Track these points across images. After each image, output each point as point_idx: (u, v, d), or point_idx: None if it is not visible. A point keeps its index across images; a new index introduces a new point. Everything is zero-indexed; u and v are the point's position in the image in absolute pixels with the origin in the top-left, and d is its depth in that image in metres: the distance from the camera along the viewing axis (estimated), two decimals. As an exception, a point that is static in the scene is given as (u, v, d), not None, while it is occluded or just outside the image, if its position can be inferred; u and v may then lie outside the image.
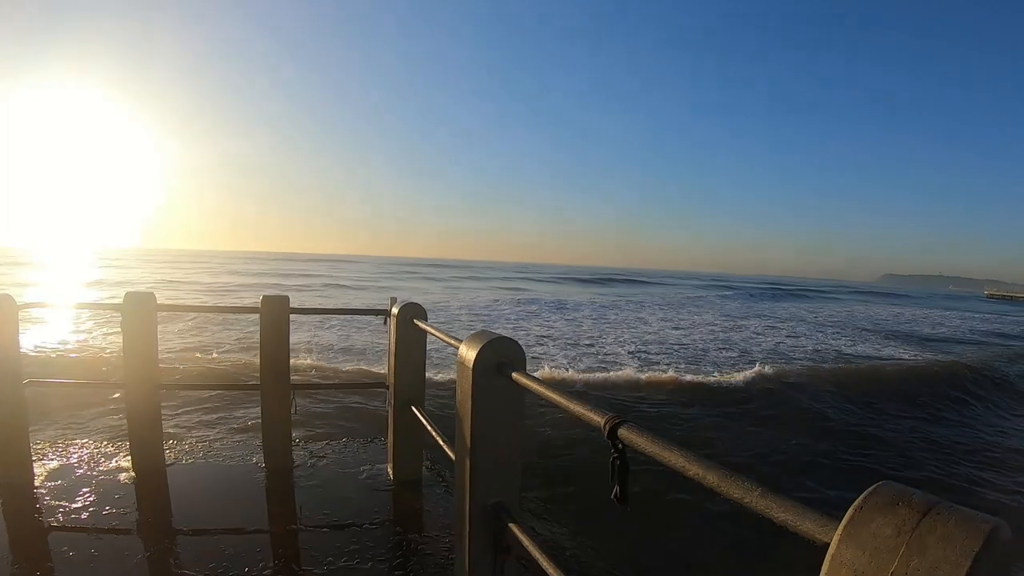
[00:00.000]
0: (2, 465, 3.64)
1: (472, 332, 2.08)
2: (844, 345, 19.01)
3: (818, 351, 17.30)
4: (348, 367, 10.89)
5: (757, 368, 12.12)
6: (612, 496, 1.25)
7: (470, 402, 1.94)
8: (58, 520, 3.30)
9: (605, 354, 14.48)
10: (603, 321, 23.23)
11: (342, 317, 16.08)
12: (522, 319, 22.23)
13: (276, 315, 3.95)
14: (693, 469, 1.01)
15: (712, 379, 11.48)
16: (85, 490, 3.67)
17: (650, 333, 19.33)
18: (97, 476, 3.89)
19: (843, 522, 0.71)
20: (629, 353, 14.81)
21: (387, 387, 4.04)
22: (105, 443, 4.51)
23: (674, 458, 1.06)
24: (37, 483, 3.74)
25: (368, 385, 4.61)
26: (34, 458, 3.93)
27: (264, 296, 4.01)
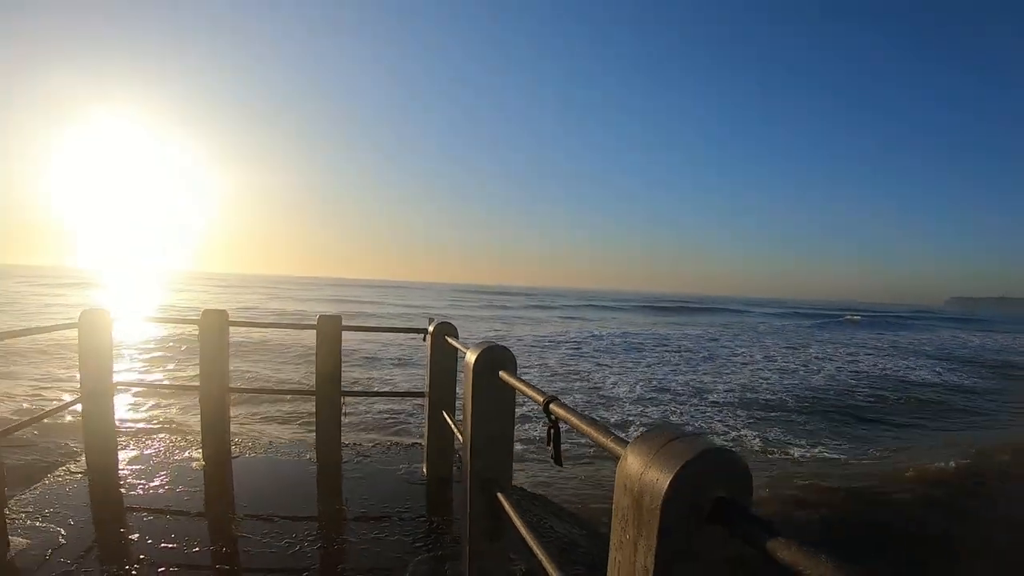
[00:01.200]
0: (92, 451, 4.31)
1: (478, 342, 2.60)
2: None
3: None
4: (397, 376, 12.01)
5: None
6: (550, 457, 1.74)
7: (471, 396, 2.43)
8: (136, 499, 3.94)
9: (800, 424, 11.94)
10: (736, 363, 20.28)
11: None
12: (651, 363, 19.26)
13: (330, 332, 4.62)
14: (588, 429, 1.49)
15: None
16: (162, 474, 4.34)
17: (815, 376, 17.63)
18: (172, 463, 4.58)
19: (631, 441, 1.14)
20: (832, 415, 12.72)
21: (425, 395, 4.67)
22: (180, 437, 5.27)
23: (577, 421, 1.54)
24: (121, 467, 4.44)
25: (409, 394, 5.24)
26: (119, 446, 4.64)
27: (320, 316, 4.70)
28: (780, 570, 0.78)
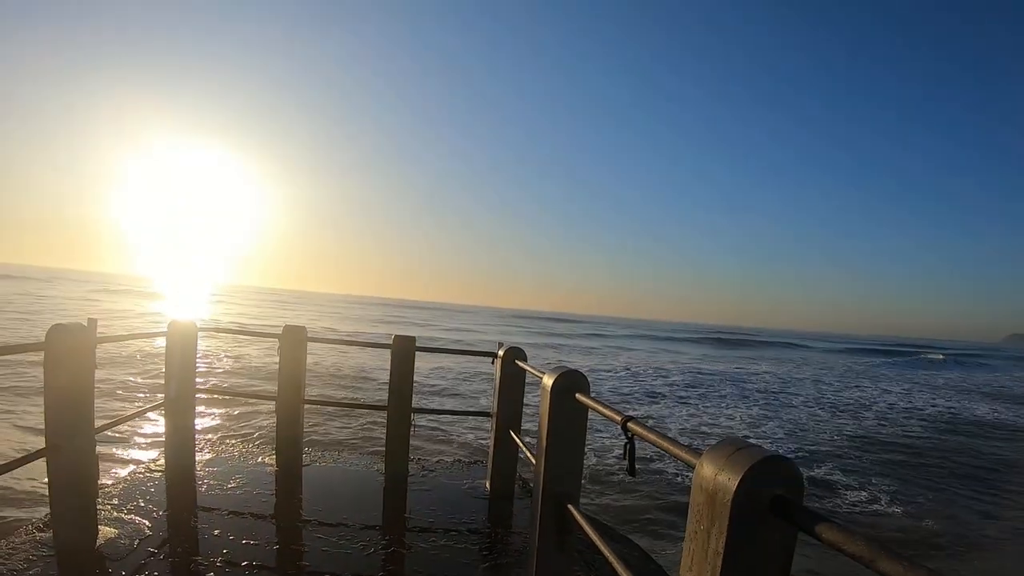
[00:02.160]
0: (172, 452, 4.59)
1: (554, 367, 2.91)
2: None
3: None
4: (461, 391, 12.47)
5: None
6: (626, 470, 2.02)
7: (547, 416, 2.64)
8: (212, 499, 4.18)
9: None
10: (855, 406, 18.21)
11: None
12: (747, 406, 17.34)
13: (404, 351, 4.90)
14: (665, 444, 1.74)
15: None
16: (236, 478, 4.59)
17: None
18: (246, 469, 4.84)
19: (705, 451, 1.39)
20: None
21: (492, 415, 4.93)
22: (255, 444, 5.66)
23: (655, 438, 1.81)
24: (198, 469, 4.73)
25: (476, 413, 5.56)
26: (197, 449, 4.91)
27: (395, 336, 4.97)
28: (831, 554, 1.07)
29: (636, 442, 1.97)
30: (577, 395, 2.56)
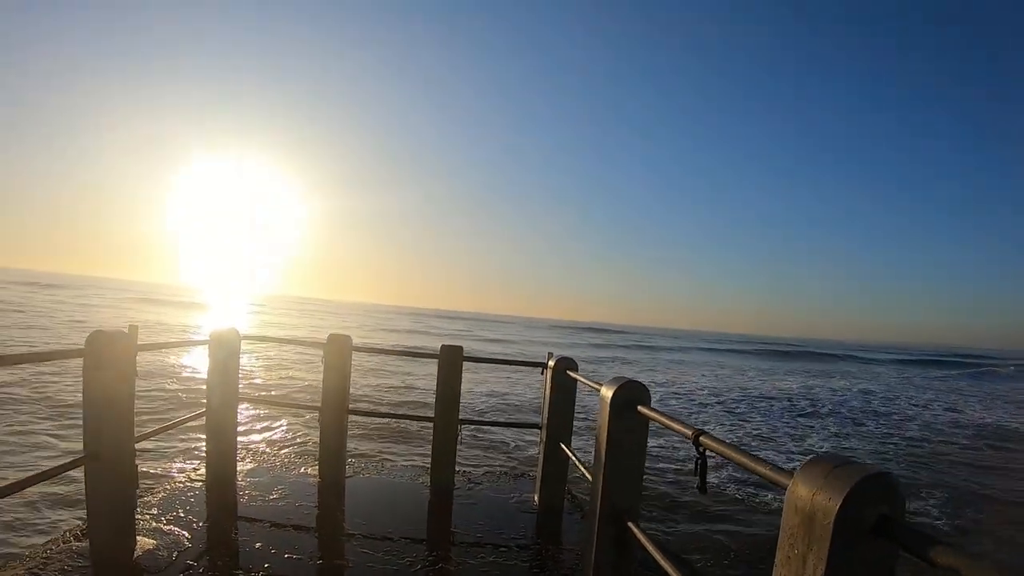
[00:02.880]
0: (213, 461, 4.58)
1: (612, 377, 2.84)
2: None
3: None
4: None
5: None
6: (696, 487, 1.93)
7: (606, 429, 2.55)
8: (253, 511, 4.16)
9: None
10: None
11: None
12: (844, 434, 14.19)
13: (452, 361, 4.83)
14: (744, 460, 1.66)
15: None
16: (278, 489, 4.57)
17: None
18: (288, 479, 4.83)
19: (799, 469, 1.31)
20: None
21: (540, 427, 4.83)
22: (297, 454, 5.64)
23: (734, 454, 1.73)
24: (239, 479, 4.71)
25: (525, 425, 5.50)
26: (238, 459, 4.88)
27: (443, 345, 4.92)
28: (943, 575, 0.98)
29: (707, 458, 1.89)
30: (639, 408, 2.49)
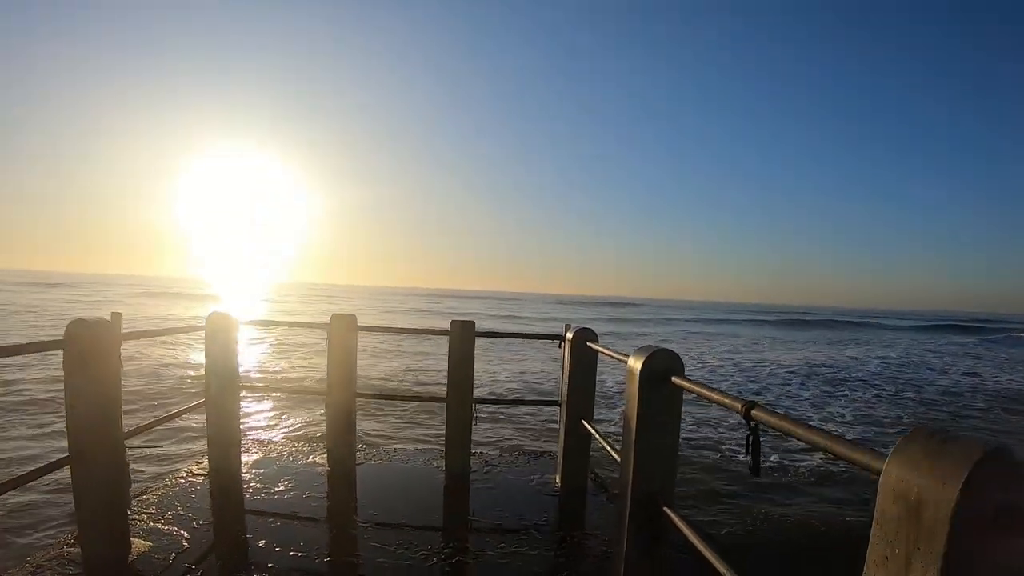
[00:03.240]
0: (215, 453, 4.41)
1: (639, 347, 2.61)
2: None
3: None
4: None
5: None
6: (748, 468, 1.70)
7: (636, 404, 2.32)
8: (259, 503, 3.98)
9: None
10: None
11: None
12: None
13: (463, 337, 4.59)
14: (815, 439, 1.43)
15: None
16: (285, 479, 4.40)
17: None
18: (295, 469, 4.65)
19: (894, 448, 1.04)
20: None
21: (560, 404, 4.59)
22: (303, 442, 5.35)
23: (800, 431, 1.49)
24: (244, 470, 4.54)
25: (542, 402, 5.26)
26: (243, 449, 4.71)
27: (453, 320, 4.64)
28: None
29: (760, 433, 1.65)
30: (673, 379, 2.25)
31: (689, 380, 2.18)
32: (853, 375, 18.62)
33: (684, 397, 2.39)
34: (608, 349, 3.60)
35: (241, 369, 4.60)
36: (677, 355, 2.36)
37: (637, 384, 2.36)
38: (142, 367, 12.49)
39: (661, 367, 2.32)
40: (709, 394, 1.93)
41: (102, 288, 66.02)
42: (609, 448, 3.24)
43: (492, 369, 14.84)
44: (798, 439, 1.44)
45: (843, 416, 11.77)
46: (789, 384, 15.88)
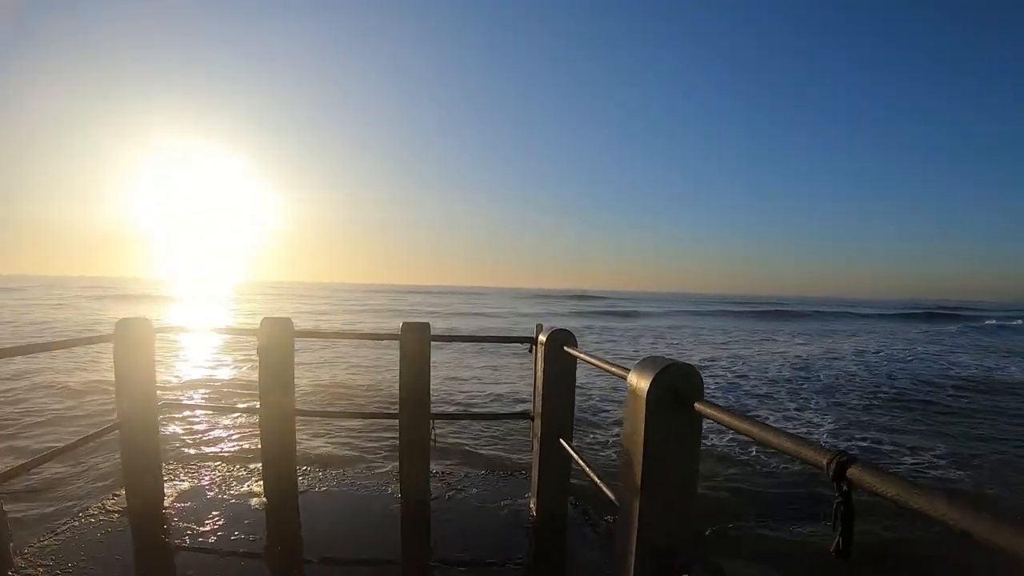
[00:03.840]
0: (133, 483, 3.87)
1: (643, 358, 2.06)
2: None
3: None
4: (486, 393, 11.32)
5: None
6: (832, 548, 1.17)
7: (642, 435, 1.84)
8: (185, 542, 3.47)
9: None
10: None
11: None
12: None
13: (417, 342, 4.04)
14: (942, 510, 0.94)
15: None
16: (215, 513, 3.86)
17: None
18: (227, 500, 4.10)
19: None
20: None
21: (531, 418, 4.03)
22: (237, 467, 4.72)
23: (917, 500, 0.99)
24: (167, 503, 3.99)
25: (511, 416, 4.70)
26: (165, 479, 4.20)
27: (405, 323, 4.09)
28: None
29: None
30: (697, 405, 1.72)
31: (718, 407, 1.64)
32: (825, 364, 18.63)
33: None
34: (593, 357, 2.93)
35: (164, 383, 3.97)
36: (695, 370, 1.84)
37: (643, 408, 1.83)
38: (43, 384, 11.08)
39: (677, 387, 1.79)
40: (766, 436, 1.39)
41: (59, 291, 63.37)
42: (598, 481, 2.69)
43: (454, 374, 13.96)
44: (906, 506, 0.92)
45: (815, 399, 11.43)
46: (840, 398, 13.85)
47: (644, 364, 1.91)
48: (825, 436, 9.72)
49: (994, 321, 56.28)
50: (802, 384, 14.94)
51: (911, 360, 21.23)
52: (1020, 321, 56.67)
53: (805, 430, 10.08)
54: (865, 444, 9.25)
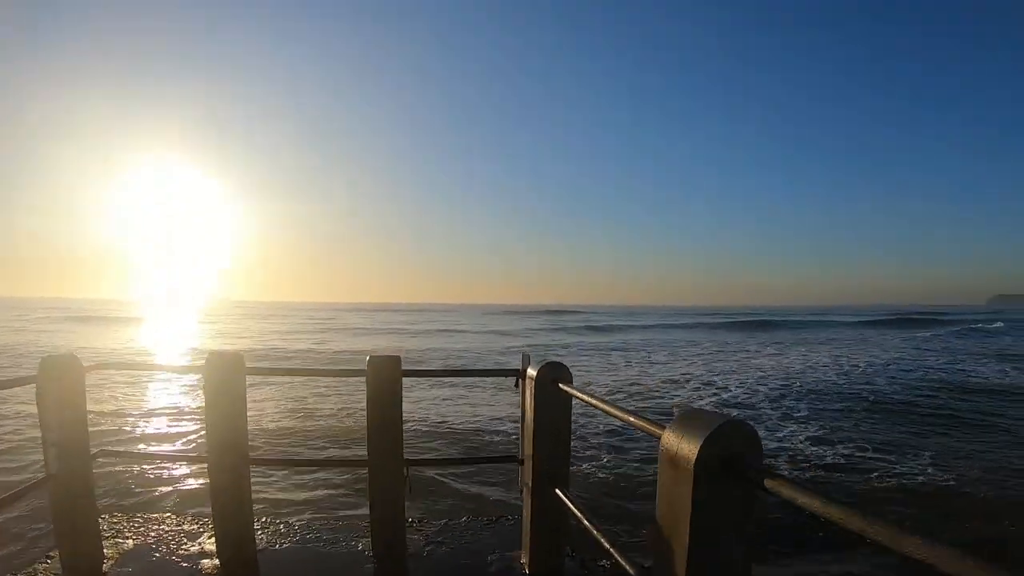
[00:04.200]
0: (68, 544, 3.44)
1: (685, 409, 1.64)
2: None
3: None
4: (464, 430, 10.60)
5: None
6: None
7: (688, 514, 1.44)
8: None
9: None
10: None
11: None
12: None
13: (386, 379, 3.60)
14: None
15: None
16: (164, 574, 3.47)
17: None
18: (176, 562, 3.66)
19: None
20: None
21: (520, 462, 3.61)
22: (187, 522, 4.18)
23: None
24: (107, 567, 3.57)
25: (496, 459, 4.25)
26: (104, 536, 3.79)
27: (371, 357, 3.65)
28: None
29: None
30: (767, 482, 1.30)
31: (797, 485, 1.23)
32: (803, 372, 19.00)
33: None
34: (599, 399, 2.42)
35: (99, 427, 3.49)
36: (753, 431, 1.43)
37: (690, 481, 1.42)
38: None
39: (733, 454, 1.39)
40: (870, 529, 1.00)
41: (25, 312, 61.75)
42: (616, 554, 2.24)
43: (429, 395, 13.44)
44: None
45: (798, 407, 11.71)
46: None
47: (686, 421, 1.51)
48: (808, 444, 10.07)
49: (971, 325, 57.92)
50: (783, 394, 15.29)
51: (890, 366, 21.86)
52: (999, 324, 58.51)
53: (788, 444, 10.23)
54: (847, 452, 9.52)
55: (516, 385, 3.57)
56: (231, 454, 3.55)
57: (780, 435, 10.75)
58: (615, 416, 2.19)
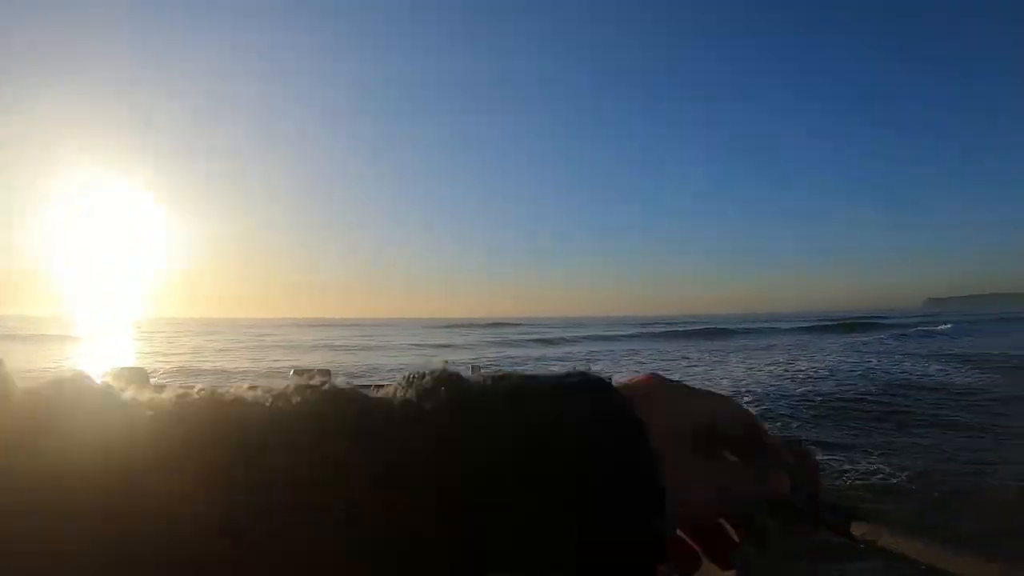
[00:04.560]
0: None
1: None
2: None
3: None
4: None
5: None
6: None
7: None
8: None
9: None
10: None
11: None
12: None
13: None
14: None
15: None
16: None
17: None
18: None
19: None
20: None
21: None
22: None
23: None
24: None
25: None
26: None
27: (296, 369, 3.36)
28: None
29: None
30: None
31: None
32: (745, 376, 18.87)
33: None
34: None
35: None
36: None
37: None
38: None
39: None
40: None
41: None
42: None
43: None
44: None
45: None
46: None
47: None
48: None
49: (916, 327, 58.74)
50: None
51: (833, 369, 21.90)
52: (947, 325, 59.43)
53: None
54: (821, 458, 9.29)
55: None
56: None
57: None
58: None
